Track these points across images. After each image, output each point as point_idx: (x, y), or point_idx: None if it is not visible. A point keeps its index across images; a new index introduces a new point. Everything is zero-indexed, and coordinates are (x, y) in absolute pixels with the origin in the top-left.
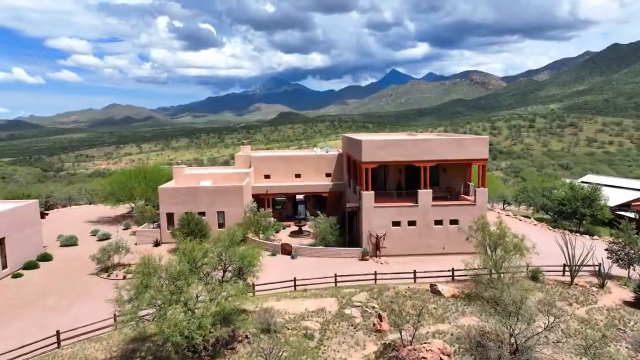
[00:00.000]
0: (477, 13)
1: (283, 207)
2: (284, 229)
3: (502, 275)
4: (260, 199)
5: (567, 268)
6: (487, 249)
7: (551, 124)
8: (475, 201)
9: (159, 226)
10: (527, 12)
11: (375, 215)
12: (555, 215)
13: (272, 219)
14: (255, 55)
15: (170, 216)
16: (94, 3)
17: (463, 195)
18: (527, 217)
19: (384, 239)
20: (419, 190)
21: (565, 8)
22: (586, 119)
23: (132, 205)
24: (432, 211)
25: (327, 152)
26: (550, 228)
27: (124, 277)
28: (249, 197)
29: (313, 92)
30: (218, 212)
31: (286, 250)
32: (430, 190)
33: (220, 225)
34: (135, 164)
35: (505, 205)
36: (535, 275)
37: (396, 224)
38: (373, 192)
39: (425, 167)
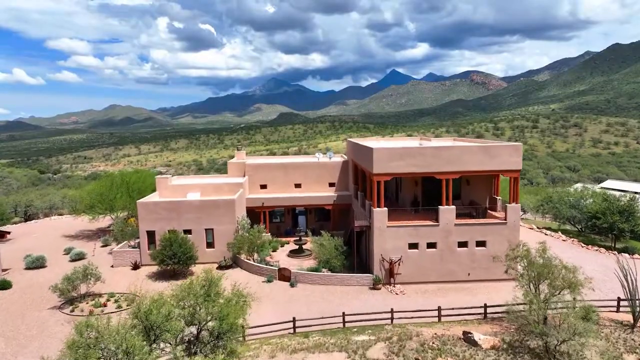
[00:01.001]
0: (478, 13)
1: (281, 220)
2: (282, 246)
3: (548, 315)
4: (255, 213)
5: (623, 302)
6: (530, 284)
7: (555, 125)
8: (505, 219)
9: (139, 245)
10: (527, 12)
11: (388, 236)
12: (584, 229)
13: (268, 234)
14: (255, 56)
15: (151, 234)
16: (94, 4)
17: (490, 212)
18: (551, 229)
19: (399, 264)
20: (440, 207)
21: (566, 8)
22: (590, 119)
23: (114, 217)
24: (456, 231)
25: (330, 157)
26: (583, 245)
27: (91, 313)
28: (243, 212)
29: (313, 93)
30: (206, 229)
31: (284, 276)
32: (454, 206)
33: (209, 245)
34: (133, 165)
35: (520, 214)
36: (587, 314)
37: (413, 246)
38: (386, 209)
39: (448, 179)
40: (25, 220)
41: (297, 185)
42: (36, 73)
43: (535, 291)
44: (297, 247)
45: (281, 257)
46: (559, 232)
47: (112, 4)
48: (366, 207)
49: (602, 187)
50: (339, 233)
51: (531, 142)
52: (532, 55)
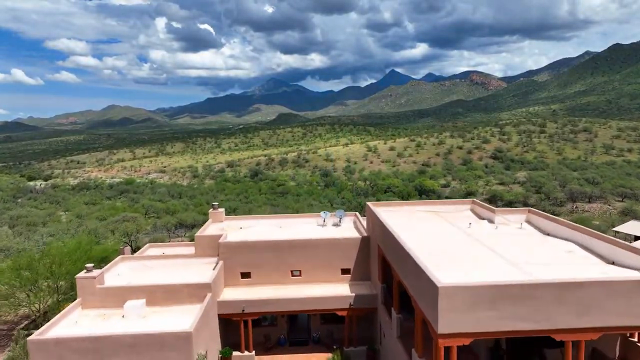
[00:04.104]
0: (477, 13)
1: (272, 322)
2: None
3: None
4: (232, 322)
5: None
6: None
7: (563, 129)
8: None
9: None
10: (527, 12)
11: None
12: None
13: (252, 354)
14: (254, 56)
15: None
16: (92, 4)
17: None
18: None
19: None
20: None
21: (565, 8)
22: (600, 123)
23: (35, 308)
24: None
25: (340, 219)
26: None
27: None
28: (212, 342)
29: (312, 93)
30: None
31: None
32: None
33: None
34: (127, 171)
35: None
36: None
37: None
38: None
39: (578, 342)
40: None
41: (295, 273)
42: (35, 73)
43: None
44: None
45: None
46: None
47: (111, 4)
48: (403, 344)
49: None
50: (359, 352)
51: (540, 148)
52: (532, 55)
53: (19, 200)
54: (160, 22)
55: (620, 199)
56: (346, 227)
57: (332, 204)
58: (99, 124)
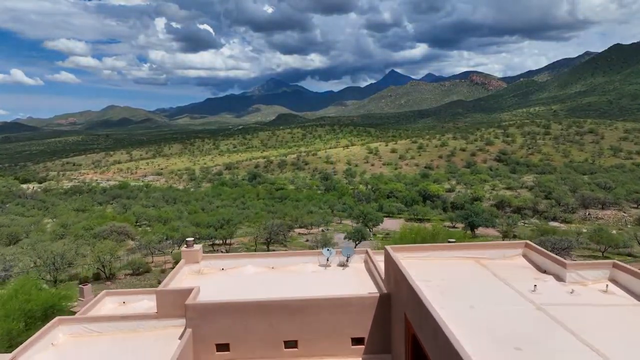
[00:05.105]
0: (477, 13)
1: None
2: None
3: None
4: None
5: None
6: None
7: (568, 131)
8: None
9: None
10: (526, 12)
11: None
12: None
13: None
14: (254, 57)
15: None
16: (92, 4)
17: None
18: None
19: None
20: None
21: (565, 8)
22: (605, 124)
23: None
24: None
25: (347, 258)
26: None
27: None
28: None
29: (312, 93)
30: None
31: None
32: None
33: None
34: (123, 173)
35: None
36: None
37: None
38: None
39: None
40: None
41: (290, 344)
42: (34, 74)
43: None
44: None
45: None
46: None
47: (110, 4)
48: None
49: None
50: None
51: (545, 150)
52: (532, 56)
53: (7, 205)
54: (160, 23)
55: (636, 206)
56: (356, 270)
57: (333, 210)
58: (98, 125)
